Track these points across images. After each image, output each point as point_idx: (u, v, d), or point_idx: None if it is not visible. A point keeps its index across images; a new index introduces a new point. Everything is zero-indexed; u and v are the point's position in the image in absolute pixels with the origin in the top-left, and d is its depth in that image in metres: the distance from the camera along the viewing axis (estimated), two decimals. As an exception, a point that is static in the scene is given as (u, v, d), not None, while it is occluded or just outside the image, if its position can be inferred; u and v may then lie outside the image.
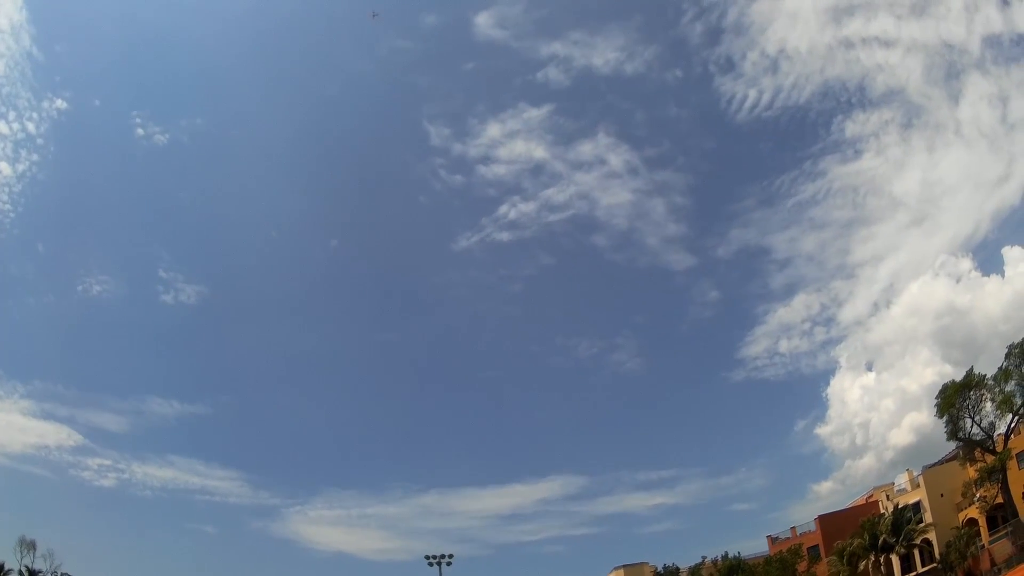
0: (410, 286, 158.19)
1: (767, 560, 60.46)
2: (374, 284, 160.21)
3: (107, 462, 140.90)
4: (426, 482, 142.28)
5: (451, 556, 67.97)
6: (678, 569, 68.48)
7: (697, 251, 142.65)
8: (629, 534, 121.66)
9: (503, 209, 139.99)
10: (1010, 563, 44.63)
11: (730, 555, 63.68)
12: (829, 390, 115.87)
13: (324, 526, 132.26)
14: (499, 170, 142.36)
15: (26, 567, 75.30)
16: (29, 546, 75.15)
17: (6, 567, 76.66)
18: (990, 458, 49.23)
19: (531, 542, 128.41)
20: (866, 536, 52.55)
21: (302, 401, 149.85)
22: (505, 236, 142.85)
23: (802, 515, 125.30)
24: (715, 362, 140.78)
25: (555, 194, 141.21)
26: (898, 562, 53.97)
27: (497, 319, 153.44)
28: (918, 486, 57.51)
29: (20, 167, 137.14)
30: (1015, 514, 48.03)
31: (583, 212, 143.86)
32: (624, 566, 75.22)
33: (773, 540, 67.67)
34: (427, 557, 68.12)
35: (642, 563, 74.46)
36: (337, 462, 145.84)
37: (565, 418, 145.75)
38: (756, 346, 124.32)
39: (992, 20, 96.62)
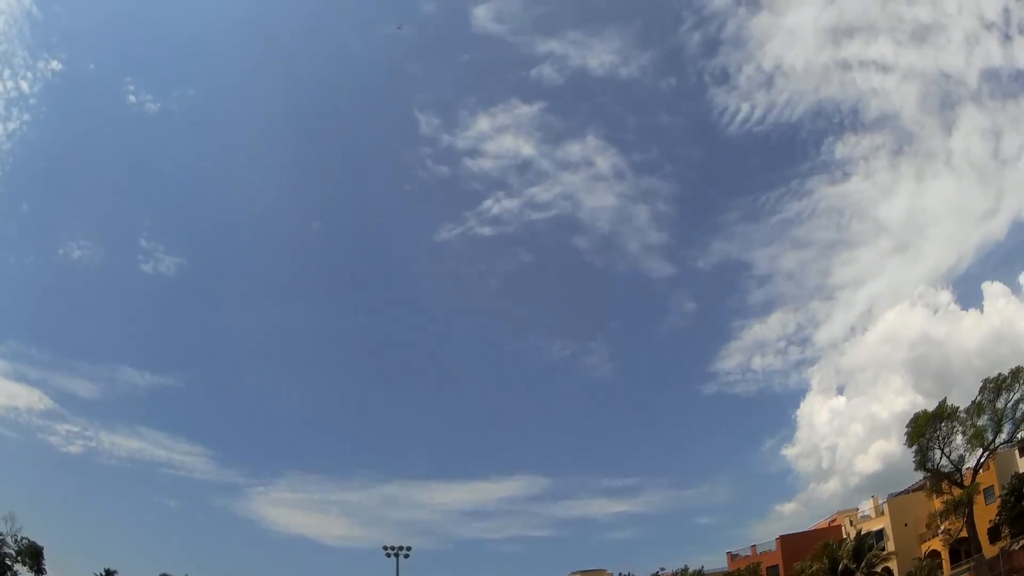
0: (388, 274, 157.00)
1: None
2: (353, 269, 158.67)
3: (76, 428, 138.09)
4: (390, 472, 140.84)
5: (409, 548, 68.21)
6: (635, 578, 67.68)
7: (677, 261, 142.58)
8: (590, 539, 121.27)
9: (487, 204, 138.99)
10: (970, 598, 44.00)
11: (689, 569, 63.07)
12: (799, 411, 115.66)
13: (286, 508, 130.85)
14: (486, 164, 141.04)
15: None
16: (-11, 507, 69.60)
17: None
18: (957, 491, 48.61)
19: (491, 540, 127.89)
20: (826, 560, 51.34)
21: (272, 380, 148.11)
22: (487, 231, 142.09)
23: (764, 534, 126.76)
24: (688, 373, 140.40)
25: (540, 192, 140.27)
26: (857, 589, 52.92)
27: (473, 313, 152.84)
28: (882, 513, 57.19)
29: (11, 126, 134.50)
30: (979, 549, 47.40)
31: (566, 212, 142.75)
32: (582, 571, 74.62)
33: (732, 556, 67.23)
34: (385, 548, 68.23)
35: (600, 569, 73.91)
36: (303, 445, 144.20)
37: (533, 418, 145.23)
38: (729, 360, 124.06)
39: (992, 54, 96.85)
